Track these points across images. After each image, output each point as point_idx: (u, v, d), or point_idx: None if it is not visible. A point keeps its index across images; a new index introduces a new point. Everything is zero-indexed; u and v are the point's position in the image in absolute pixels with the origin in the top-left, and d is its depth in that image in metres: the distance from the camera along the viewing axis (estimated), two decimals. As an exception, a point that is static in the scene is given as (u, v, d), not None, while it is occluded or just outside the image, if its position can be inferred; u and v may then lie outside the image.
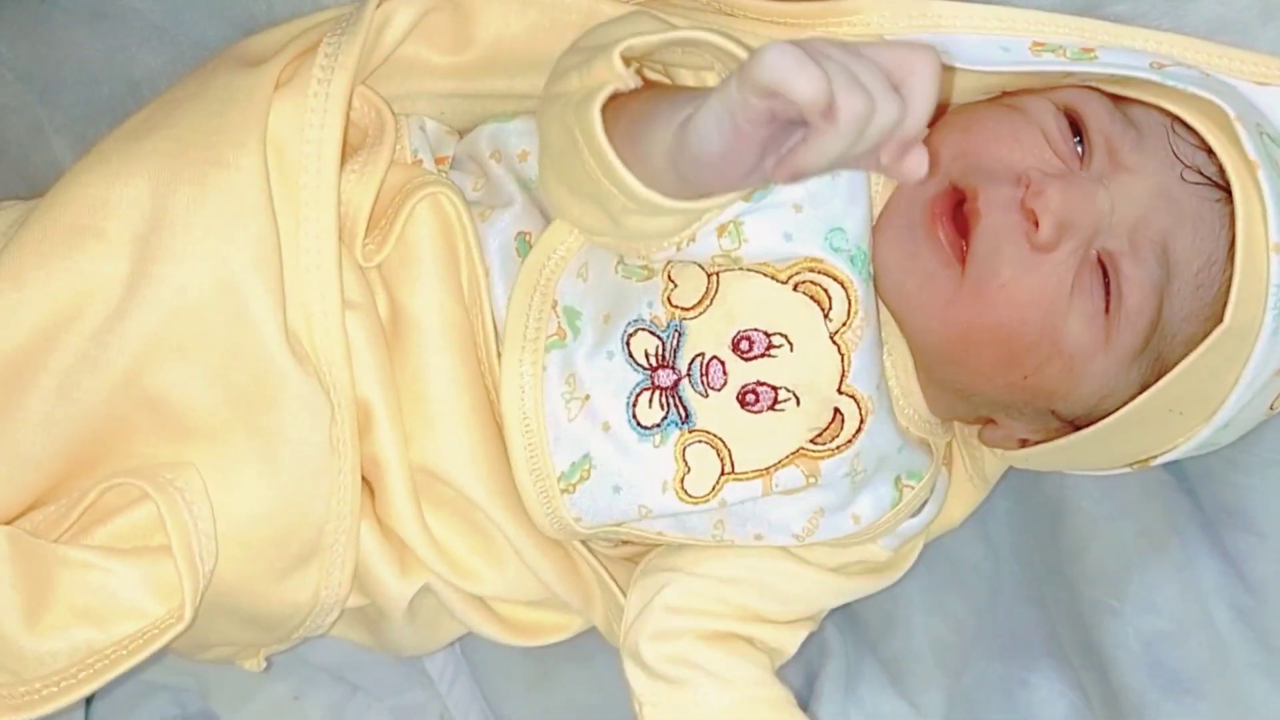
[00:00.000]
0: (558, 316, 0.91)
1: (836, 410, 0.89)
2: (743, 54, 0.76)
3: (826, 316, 0.87)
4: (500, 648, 1.17)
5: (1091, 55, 0.91)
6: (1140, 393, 0.88)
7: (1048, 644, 1.13)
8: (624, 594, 1.01)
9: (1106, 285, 0.87)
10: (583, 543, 0.99)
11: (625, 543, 1.03)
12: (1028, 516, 1.15)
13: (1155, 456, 0.95)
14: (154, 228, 0.84)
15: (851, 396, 0.89)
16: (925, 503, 0.99)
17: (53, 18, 1.02)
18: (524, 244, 0.93)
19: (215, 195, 0.85)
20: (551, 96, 0.85)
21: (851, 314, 0.88)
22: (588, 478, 0.90)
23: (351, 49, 0.90)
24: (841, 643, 1.17)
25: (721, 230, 0.87)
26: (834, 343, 0.88)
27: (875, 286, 0.90)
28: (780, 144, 0.71)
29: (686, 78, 0.89)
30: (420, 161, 0.97)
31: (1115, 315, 0.87)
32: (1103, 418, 0.91)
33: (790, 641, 1.02)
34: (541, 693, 1.27)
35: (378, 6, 0.92)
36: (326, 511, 0.90)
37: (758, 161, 0.73)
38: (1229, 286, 0.84)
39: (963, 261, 0.87)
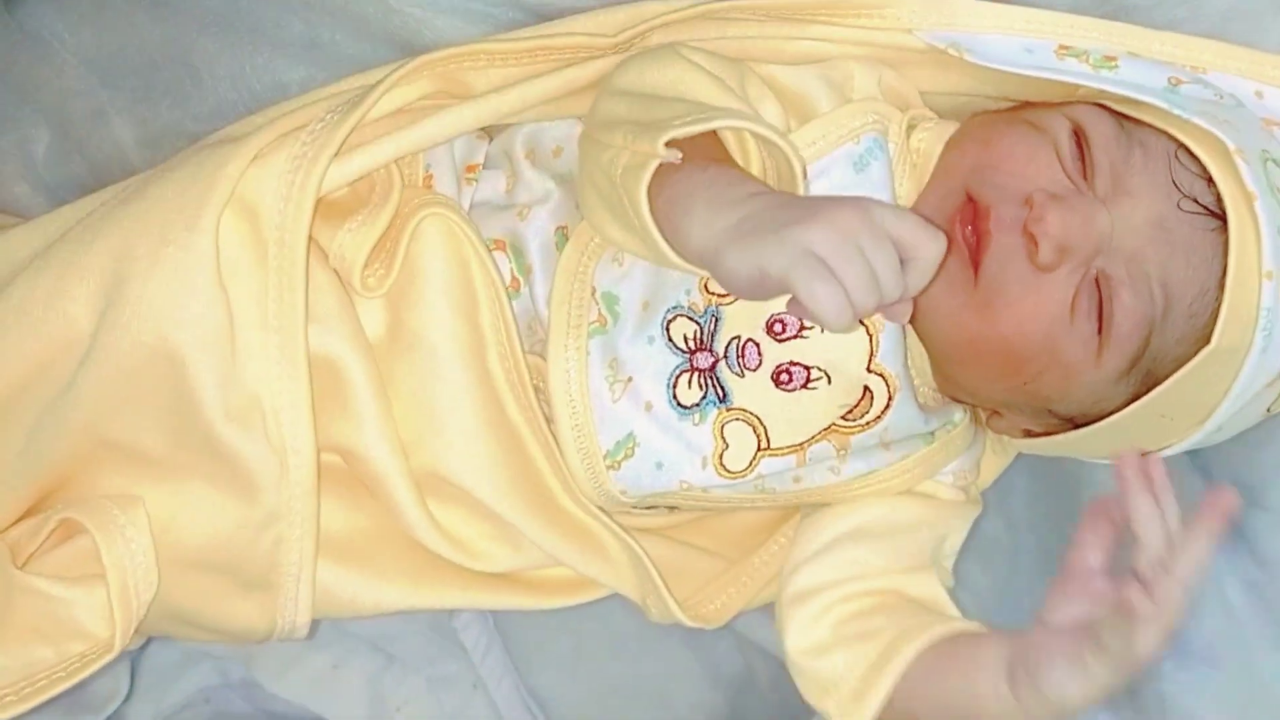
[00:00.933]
0: (597, 304, 0.94)
1: (866, 388, 0.93)
2: (779, 140, 0.83)
3: None
4: (534, 622, 1.25)
5: (1113, 64, 0.93)
6: (1132, 401, 0.92)
7: None
8: (656, 568, 1.02)
9: (1101, 308, 0.89)
10: (612, 519, 1.00)
11: (673, 509, 1.06)
12: (1045, 492, 1.16)
13: (1152, 451, 0.95)
14: (111, 298, 0.88)
15: (880, 375, 0.93)
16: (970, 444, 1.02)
17: (115, 4, 1.04)
18: (562, 237, 0.96)
19: (163, 271, 0.88)
20: (596, 142, 0.87)
21: None
22: (632, 455, 0.94)
23: (341, 126, 0.92)
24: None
25: None
26: (862, 323, 0.91)
27: None
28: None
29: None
30: (431, 178, 0.99)
31: (1106, 338, 0.90)
32: (1098, 419, 0.94)
33: (920, 587, 1.01)
34: (573, 666, 1.31)
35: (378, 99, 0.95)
36: (274, 558, 0.93)
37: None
38: (1220, 309, 0.87)
39: (975, 271, 0.90)
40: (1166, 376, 0.90)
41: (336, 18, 1.02)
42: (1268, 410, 0.95)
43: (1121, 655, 0.81)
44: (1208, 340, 0.87)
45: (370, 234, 0.93)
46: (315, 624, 1.00)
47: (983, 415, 1.04)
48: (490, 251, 0.95)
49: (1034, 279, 0.89)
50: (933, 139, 0.96)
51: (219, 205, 0.88)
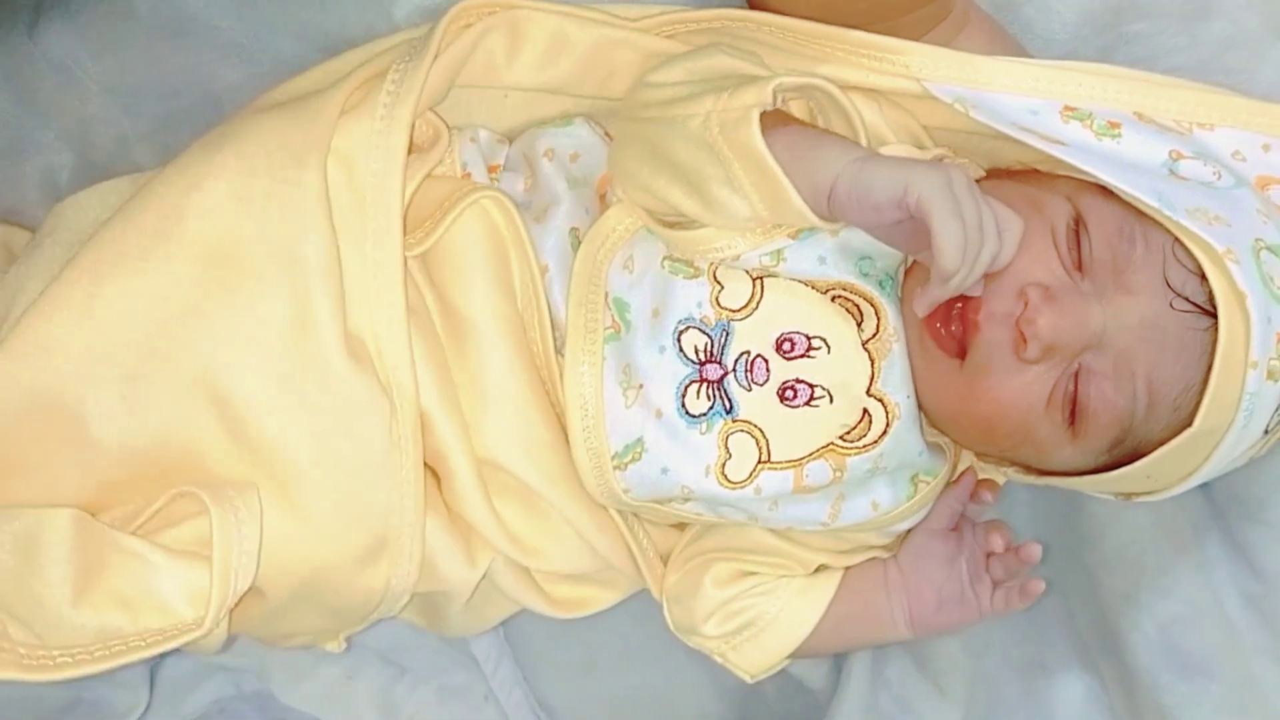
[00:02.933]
0: (610, 309, 0.96)
1: (865, 411, 0.94)
2: (851, 111, 0.91)
3: (859, 326, 0.93)
4: (543, 634, 1.25)
5: (1116, 132, 0.93)
6: (1113, 466, 0.94)
7: (1066, 628, 1.15)
8: (663, 563, 1.07)
9: (1075, 400, 0.91)
10: (625, 521, 1.03)
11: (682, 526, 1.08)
12: (1047, 506, 1.17)
13: (1138, 495, 1.00)
14: (226, 236, 0.90)
15: (880, 400, 0.94)
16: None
17: (137, 34, 1.05)
18: (575, 239, 0.98)
19: (280, 209, 0.90)
20: (669, 119, 0.90)
21: (881, 327, 0.94)
22: (639, 459, 0.95)
23: (416, 76, 0.94)
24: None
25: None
26: (865, 349, 0.93)
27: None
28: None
29: None
30: (469, 175, 1.01)
31: (1083, 426, 0.92)
32: (1081, 474, 0.98)
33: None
34: (583, 677, 1.32)
35: (441, 38, 0.97)
36: (389, 504, 0.94)
37: (897, 221, 0.86)
38: (1203, 399, 0.88)
39: (962, 356, 0.92)
40: (1148, 452, 0.92)
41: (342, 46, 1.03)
42: (1250, 459, 0.96)
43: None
44: (1189, 423, 0.89)
45: (415, 177, 0.95)
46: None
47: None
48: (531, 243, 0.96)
49: (1016, 368, 0.91)
50: None
51: (324, 144, 0.91)
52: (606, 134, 1.05)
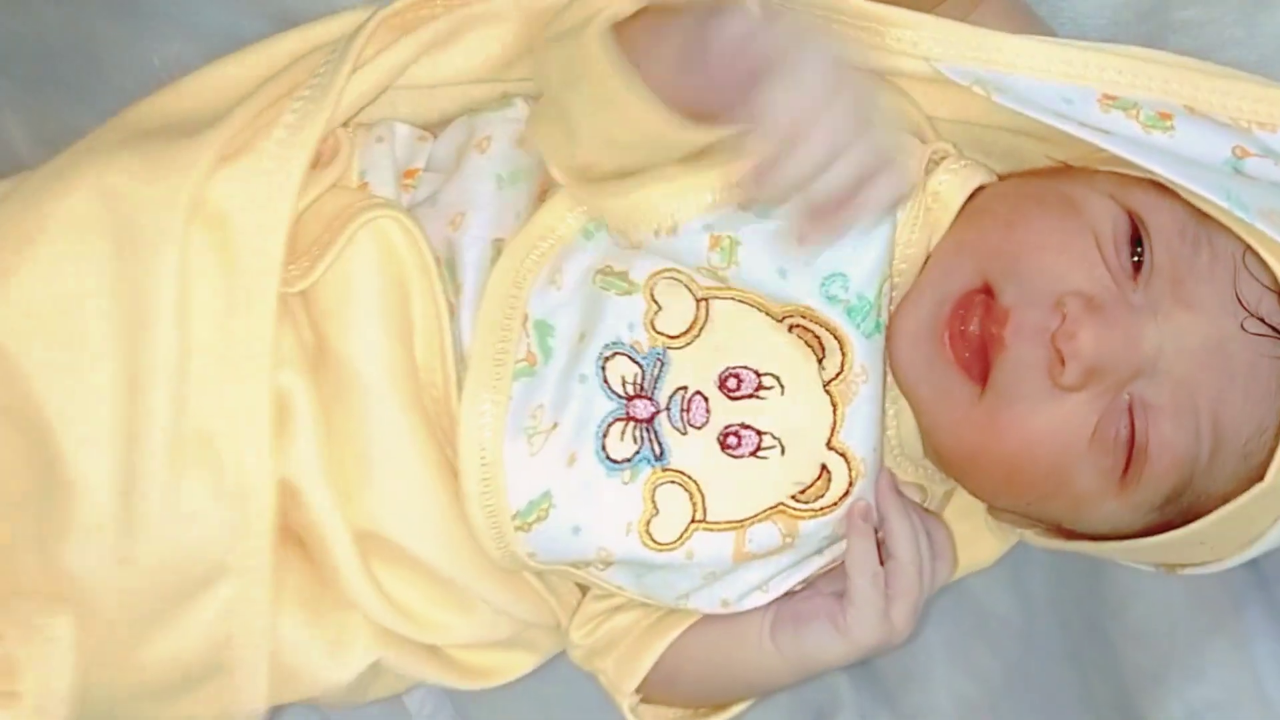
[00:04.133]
0: (528, 335, 0.87)
1: (824, 467, 0.86)
2: None
3: (820, 364, 0.85)
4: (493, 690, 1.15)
5: (1168, 125, 0.86)
6: (1161, 529, 0.86)
7: (1082, 706, 1.12)
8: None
9: (1132, 439, 0.83)
10: (543, 580, 0.96)
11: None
12: (1066, 566, 1.12)
13: (1185, 566, 0.92)
14: (67, 299, 0.82)
15: (842, 455, 0.86)
16: None
17: None
18: (496, 252, 0.90)
19: (129, 288, 0.82)
20: (550, 41, 0.84)
21: (846, 366, 0.85)
22: (545, 517, 0.86)
23: (317, 117, 0.87)
24: (855, 694, 1.14)
25: (715, 242, 0.85)
26: (826, 392, 0.85)
27: (891, 368, 0.88)
28: None
29: None
30: (367, 185, 0.93)
31: (1136, 473, 0.83)
32: (1118, 538, 0.89)
33: None
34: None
35: (350, 74, 0.89)
36: (227, 627, 0.86)
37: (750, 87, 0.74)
38: (1276, 444, 0.81)
39: (983, 381, 0.84)
40: (1207, 511, 0.84)
41: (262, 6, 0.99)
42: None
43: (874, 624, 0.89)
44: (1261, 475, 0.81)
45: (307, 191, 0.87)
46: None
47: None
48: (439, 269, 0.89)
49: (1051, 396, 0.82)
50: (955, 185, 0.88)
51: (189, 209, 0.83)
52: None
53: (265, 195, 0.85)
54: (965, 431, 0.85)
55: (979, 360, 0.83)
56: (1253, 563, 0.99)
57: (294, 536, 0.89)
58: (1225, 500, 0.82)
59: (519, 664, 1.00)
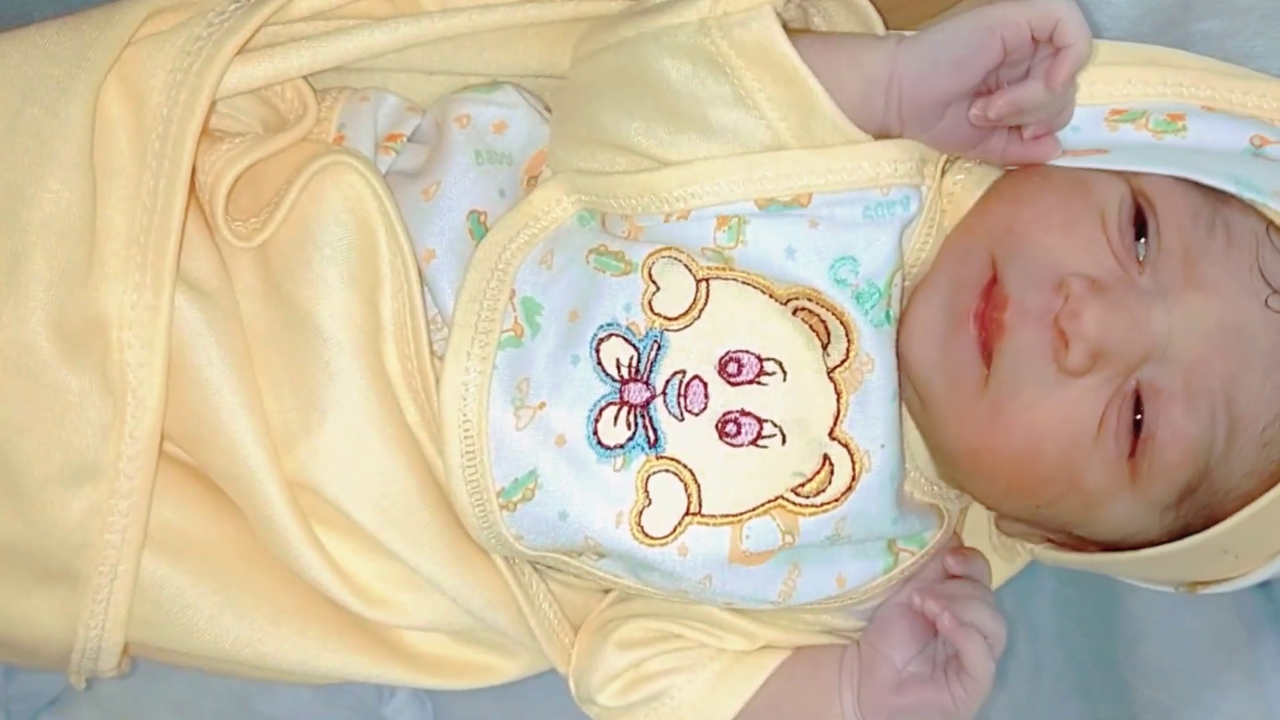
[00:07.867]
0: (514, 310, 0.85)
1: (826, 458, 0.83)
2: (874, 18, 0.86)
3: (825, 349, 0.83)
4: (476, 703, 1.12)
5: (1179, 125, 0.85)
6: (1183, 534, 0.84)
7: None
8: (574, 631, 0.95)
9: (1138, 426, 0.81)
10: (516, 573, 0.92)
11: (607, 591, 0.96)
12: (1077, 598, 1.12)
13: (1207, 584, 0.90)
14: None
15: (845, 445, 0.83)
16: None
17: None
18: (478, 224, 0.87)
19: (21, 136, 0.79)
20: (652, 34, 0.82)
21: (851, 353, 0.83)
22: (531, 498, 0.83)
23: (252, 17, 0.83)
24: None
25: (722, 222, 0.83)
26: (830, 379, 0.82)
27: (901, 358, 0.86)
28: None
29: None
30: (344, 139, 0.90)
31: (1144, 463, 0.81)
32: (1136, 547, 0.87)
33: None
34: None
35: None
36: (85, 533, 0.82)
37: (986, 72, 0.79)
38: None
39: (988, 371, 0.83)
40: (1230, 512, 0.81)
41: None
42: None
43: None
44: None
45: (247, 155, 0.84)
46: (134, 663, 0.88)
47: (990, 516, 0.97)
48: (404, 228, 0.86)
49: (1056, 382, 0.80)
50: (969, 186, 0.88)
51: (100, 69, 0.80)
52: (547, 109, 0.95)
53: (188, 75, 0.81)
54: (971, 425, 0.83)
55: (984, 348, 0.82)
56: (1268, 596, 1.03)
57: (212, 488, 0.86)
58: (1247, 500, 0.80)
59: (494, 669, 0.95)
